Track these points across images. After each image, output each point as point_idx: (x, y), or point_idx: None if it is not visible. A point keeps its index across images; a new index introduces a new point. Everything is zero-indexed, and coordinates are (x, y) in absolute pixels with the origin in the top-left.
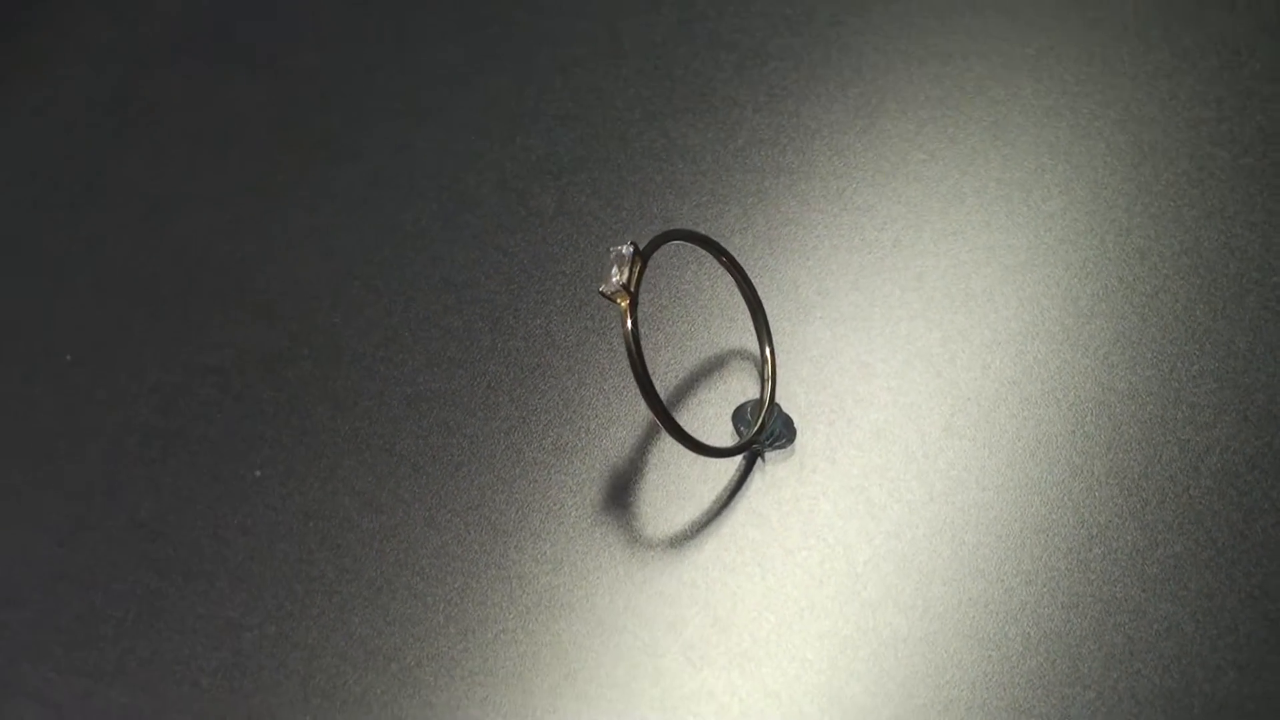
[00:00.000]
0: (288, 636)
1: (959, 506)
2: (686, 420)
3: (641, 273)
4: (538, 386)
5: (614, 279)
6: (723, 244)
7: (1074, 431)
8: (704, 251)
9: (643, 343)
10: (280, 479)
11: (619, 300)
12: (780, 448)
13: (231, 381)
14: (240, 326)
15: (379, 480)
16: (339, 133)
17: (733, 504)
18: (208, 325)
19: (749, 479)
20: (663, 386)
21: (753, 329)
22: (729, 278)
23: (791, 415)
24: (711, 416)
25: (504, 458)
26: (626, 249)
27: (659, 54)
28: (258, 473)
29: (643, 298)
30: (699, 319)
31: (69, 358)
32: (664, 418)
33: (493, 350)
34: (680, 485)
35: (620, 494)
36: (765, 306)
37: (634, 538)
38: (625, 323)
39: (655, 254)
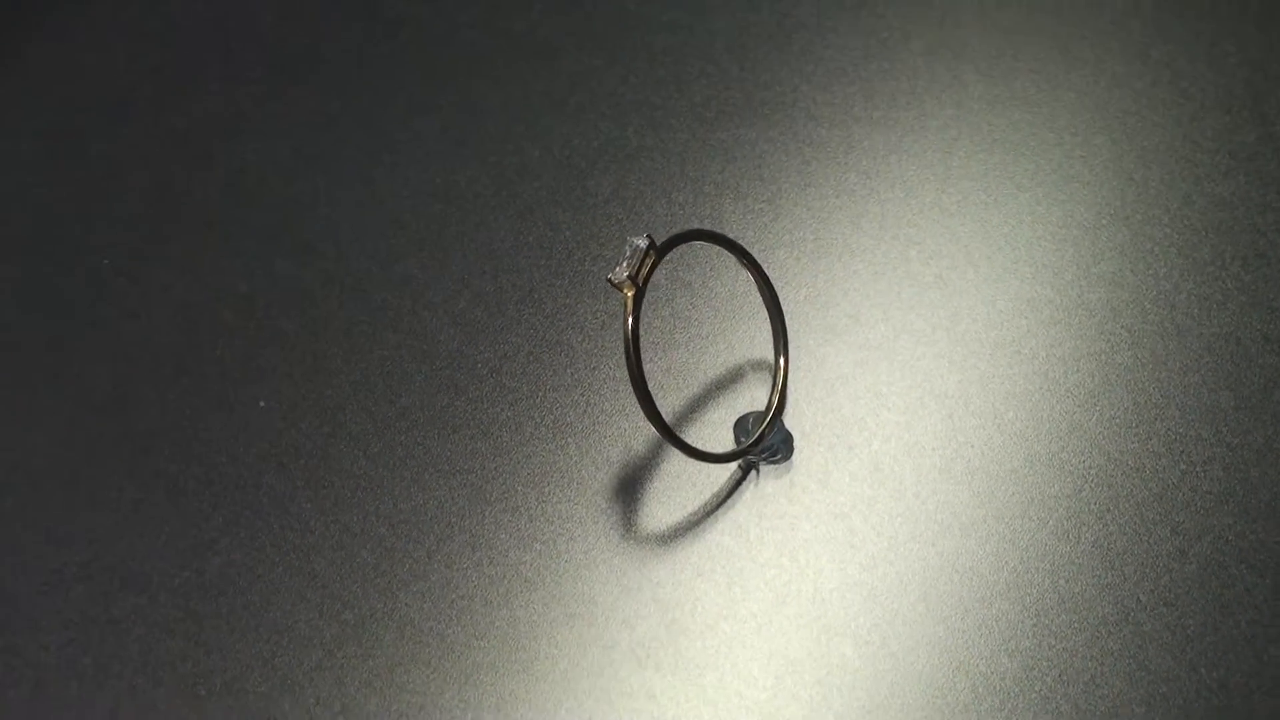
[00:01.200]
0: (251, 568)
1: (938, 551)
2: (689, 422)
3: (653, 268)
4: (552, 364)
5: (623, 269)
6: (755, 254)
7: (1070, 496)
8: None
9: (660, 340)
10: (282, 412)
11: (625, 290)
12: (775, 462)
13: (256, 310)
14: (277, 260)
15: (376, 429)
16: (415, 85)
17: (716, 510)
18: (245, 253)
19: (739, 489)
20: (671, 386)
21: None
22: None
23: (794, 433)
24: (715, 421)
25: (502, 428)
26: (642, 241)
27: (748, 56)
28: (262, 404)
29: (667, 295)
30: (720, 323)
31: (106, 262)
32: (653, 415)
33: (517, 321)
34: (669, 484)
35: (607, 483)
36: (790, 321)
37: (610, 527)
38: (626, 315)
39: (684, 252)
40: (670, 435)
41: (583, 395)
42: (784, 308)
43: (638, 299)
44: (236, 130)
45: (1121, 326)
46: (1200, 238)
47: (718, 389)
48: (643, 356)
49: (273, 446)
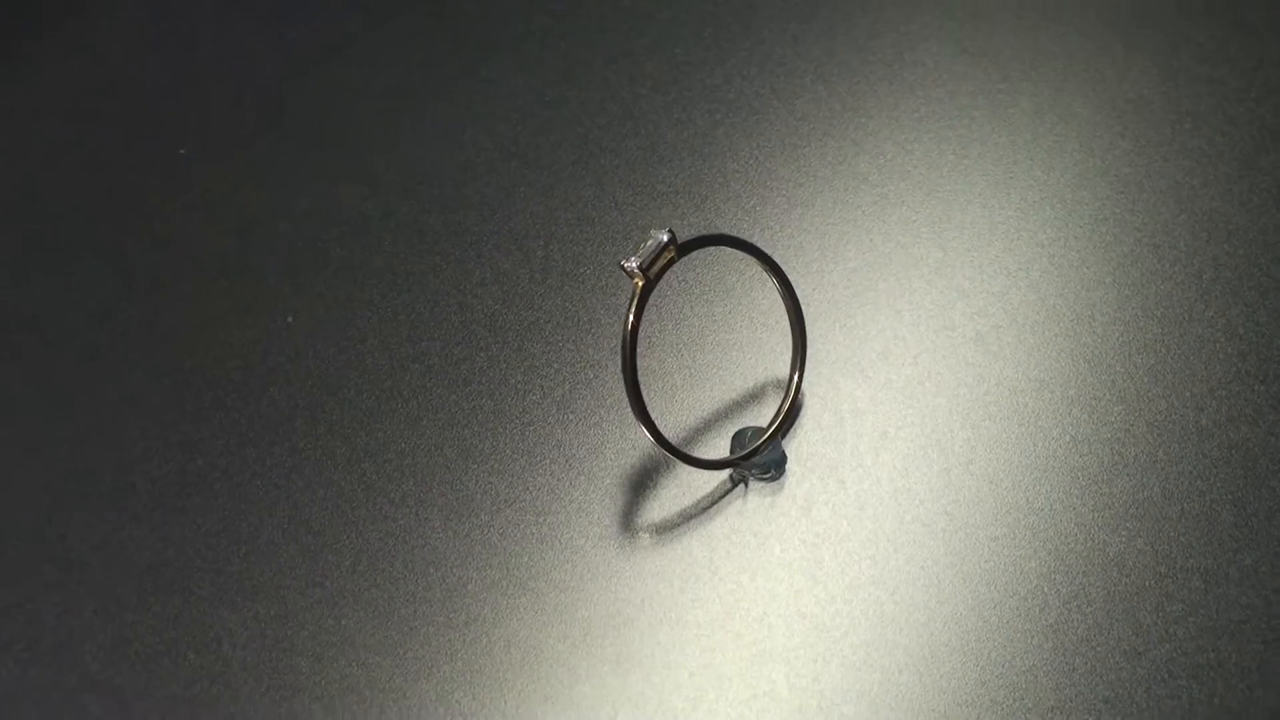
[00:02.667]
0: (231, 476)
1: (896, 600)
2: (689, 426)
3: (669, 264)
4: (578, 340)
5: (635, 259)
6: (790, 273)
7: (1043, 574)
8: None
9: (678, 339)
10: (305, 332)
11: (634, 279)
12: (765, 480)
13: (304, 230)
14: (338, 186)
15: (391, 367)
16: (520, 41)
17: (694, 517)
18: (308, 176)
19: (724, 500)
20: (680, 386)
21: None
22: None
23: (791, 455)
24: (716, 428)
25: (510, 391)
26: (663, 235)
27: (836, 83)
28: (290, 319)
29: (694, 294)
30: (742, 332)
31: (183, 151)
32: (639, 410)
33: (558, 291)
34: (658, 482)
35: (591, 464)
36: (814, 344)
37: (577, 511)
38: (629, 304)
39: (721, 256)
40: (654, 432)
41: (594, 375)
42: (811, 330)
43: (645, 291)
44: (340, 51)
45: (1144, 420)
46: (1249, 349)
47: (726, 397)
48: (659, 353)
49: (288, 361)
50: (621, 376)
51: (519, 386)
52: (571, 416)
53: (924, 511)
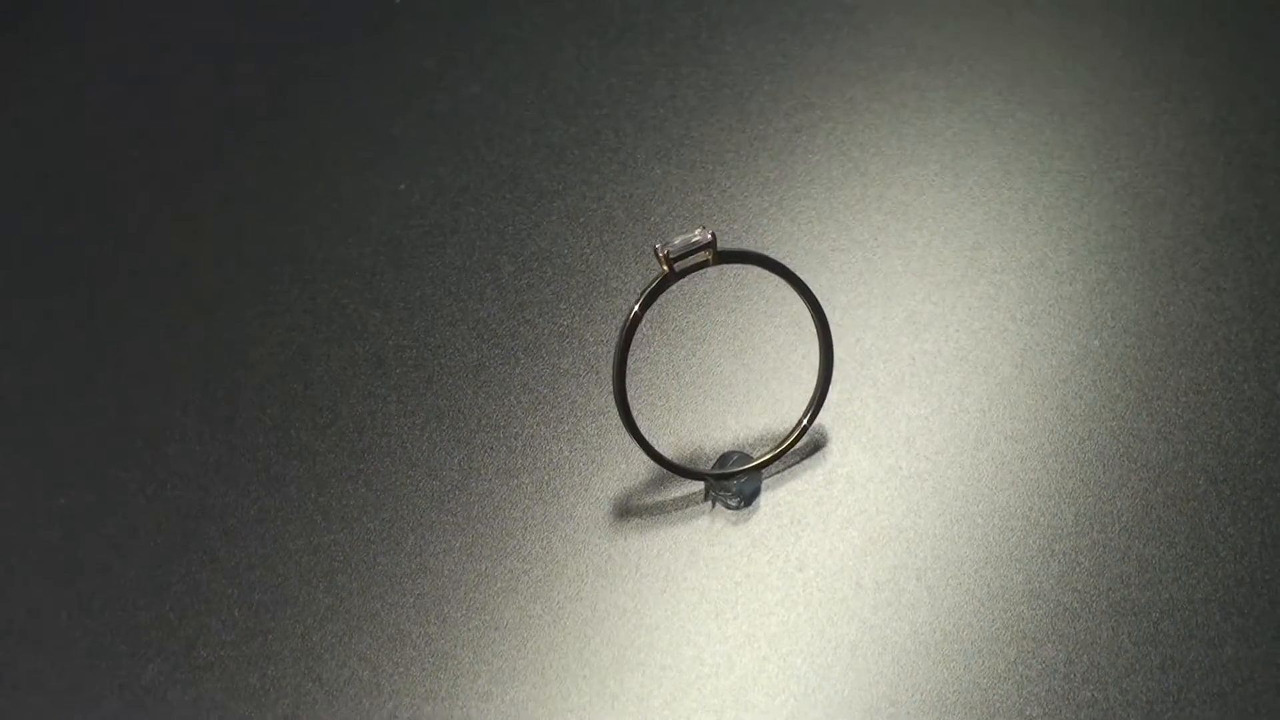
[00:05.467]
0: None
1: (838, 656)
2: (688, 430)
3: (697, 266)
4: (592, 332)
5: (668, 249)
6: (828, 315)
7: (1010, 650)
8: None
9: (698, 346)
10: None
11: (661, 265)
12: (730, 507)
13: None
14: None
15: (427, 330)
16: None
17: (655, 517)
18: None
19: (689, 513)
20: (687, 390)
21: (804, 401)
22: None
23: (765, 491)
24: (713, 442)
25: (520, 361)
26: (705, 237)
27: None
28: (402, 186)
29: (728, 303)
30: (770, 359)
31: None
32: (621, 400)
33: (585, 269)
34: (635, 473)
35: (578, 446)
36: (835, 400)
37: (548, 494)
38: (643, 291)
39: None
40: (631, 426)
41: (604, 359)
42: (836, 380)
43: (664, 281)
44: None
45: (1154, 521)
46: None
47: (733, 414)
48: (673, 351)
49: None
50: (612, 358)
51: (526, 364)
52: (572, 395)
53: (884, 570)
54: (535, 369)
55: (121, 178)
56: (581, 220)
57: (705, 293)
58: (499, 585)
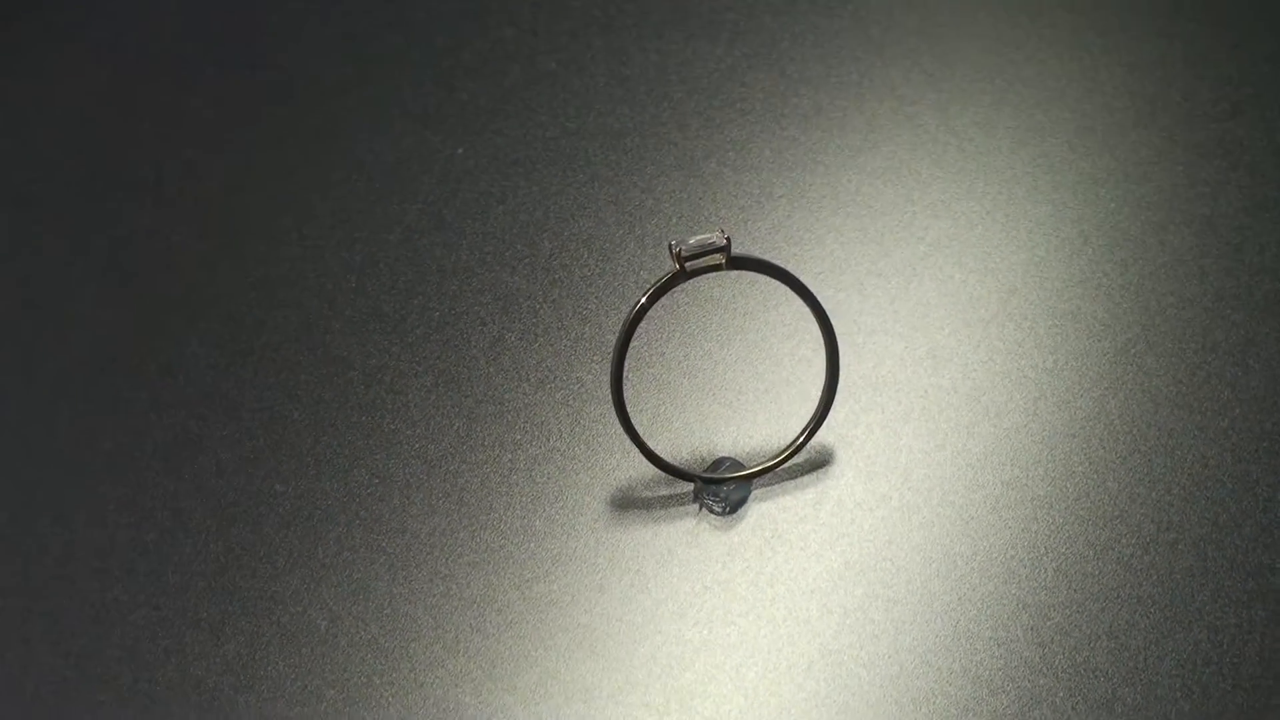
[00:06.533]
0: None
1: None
2: (688, 431)
3: (709, 268)
4: (614, 323)
5: (681, 247)
6: (838, 340)
7: (973, 699)
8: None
9: (720, 351)
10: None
11: (673, 262)
12: (714, 512)
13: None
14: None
15: (453, 292)
16: None
17: (639, 512)
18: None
19: (673, 512)
20: (692, 392)
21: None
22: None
23: (753, 502)
24: (711, 446)
25: (538, 340)
26: (720, 240)
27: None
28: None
29: (748, 309)
30: (778, 370)
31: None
32: (617, 393)
33: (622, 259)
34: (629, 466)
35: (577, 432)
36: (837, 425)
37: (538, 474)
38: (652, 286)
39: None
40: (624, 416)
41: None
42: (846, 402)
43: (673, 279)
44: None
45: (1133, 589)
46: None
47: (731, 422)
48: (686, 352)
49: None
50: (613, 348)
51: (535, 343)
52: (577, 377)
53: (852, 601)
54: (551, 350)
55: (173, 99)
56: (628, 209)
57: (728, 297)
58: (469, 557)
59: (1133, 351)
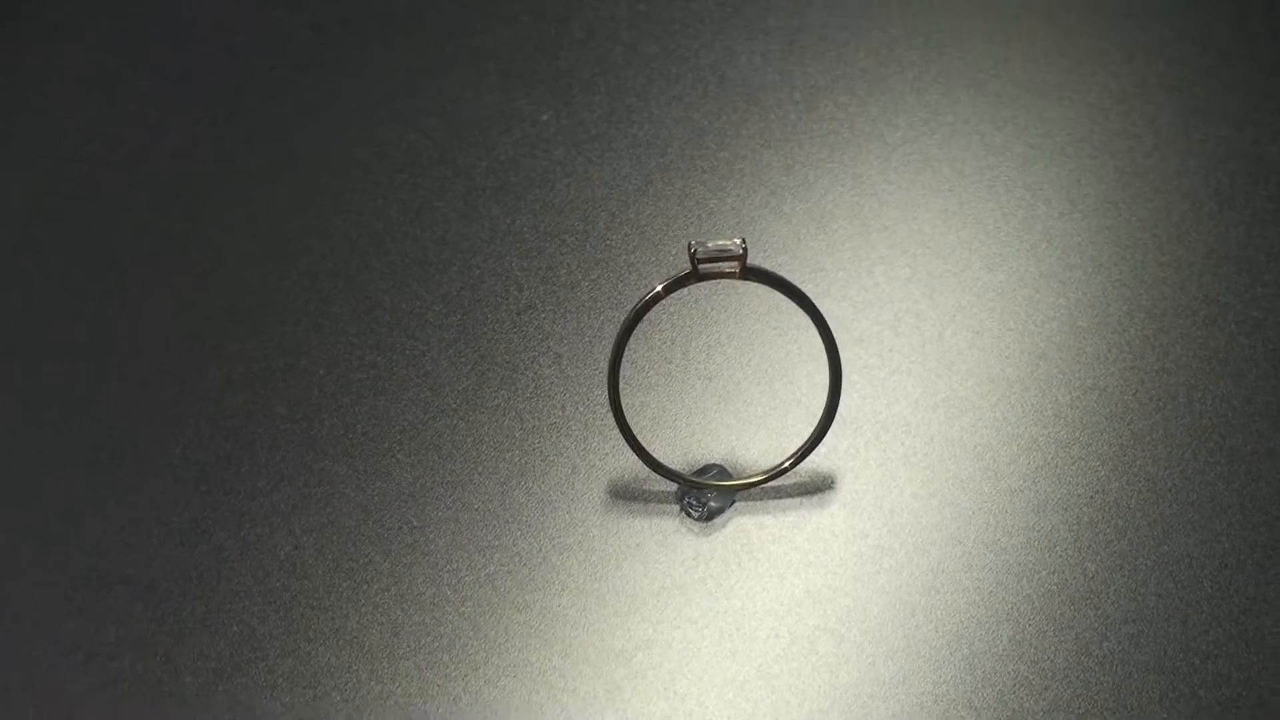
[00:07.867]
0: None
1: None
2: (689, 432)
3: (724, 275)
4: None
5: (700, 249)
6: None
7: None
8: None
9: (731, 359)
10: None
11: (688, 261)
12: (691, 516)
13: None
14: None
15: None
16: None
17: (618, 502)
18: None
19: (652, 509)
20: (698, 396)
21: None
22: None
23: (733, 515)
24: (705, 452)
25: (566, 317)
26: (738, 248)
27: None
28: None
29: (764, 319)
30: (790, 388)
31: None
32: (613, 389)
33: (668, 253)
34: (620, 455)
35: (580, 413)
36: (830, 449)
37: (528, 447)
38: (663, 281)
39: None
40: (616, 404)
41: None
42: (850, 434)
43: (684, 278)
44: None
45: (1082, 674)
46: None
47: (732, 432)
48: (694, 355)
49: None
50: (617, 332)
51: (540, 334)
52: (580, 367)
53: (815, 621)
54: (576, 326)
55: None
56: (689, 206)
57: (746, 307)
58: (440, 513)
59: (1148, 439)
